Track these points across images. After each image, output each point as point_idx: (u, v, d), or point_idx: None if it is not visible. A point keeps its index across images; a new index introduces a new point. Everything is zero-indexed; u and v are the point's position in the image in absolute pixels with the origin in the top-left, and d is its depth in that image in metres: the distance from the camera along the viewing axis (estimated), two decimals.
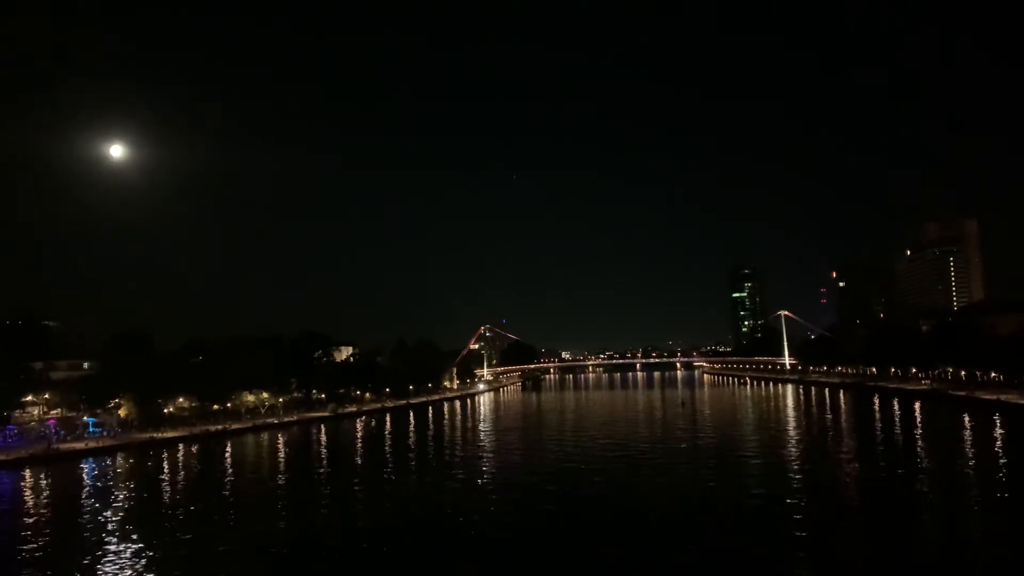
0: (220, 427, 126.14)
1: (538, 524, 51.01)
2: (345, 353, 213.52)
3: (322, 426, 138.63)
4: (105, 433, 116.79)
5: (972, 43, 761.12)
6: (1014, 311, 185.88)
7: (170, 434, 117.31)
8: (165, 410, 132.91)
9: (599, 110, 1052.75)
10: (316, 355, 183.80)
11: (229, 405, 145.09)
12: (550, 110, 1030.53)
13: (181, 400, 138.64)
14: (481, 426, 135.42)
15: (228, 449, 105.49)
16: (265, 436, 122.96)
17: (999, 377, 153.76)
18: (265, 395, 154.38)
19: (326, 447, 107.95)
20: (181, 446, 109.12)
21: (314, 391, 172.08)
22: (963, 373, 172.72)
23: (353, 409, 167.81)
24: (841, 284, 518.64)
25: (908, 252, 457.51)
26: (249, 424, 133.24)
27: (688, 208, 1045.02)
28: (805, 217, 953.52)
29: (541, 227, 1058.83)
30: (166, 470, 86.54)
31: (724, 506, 55.18)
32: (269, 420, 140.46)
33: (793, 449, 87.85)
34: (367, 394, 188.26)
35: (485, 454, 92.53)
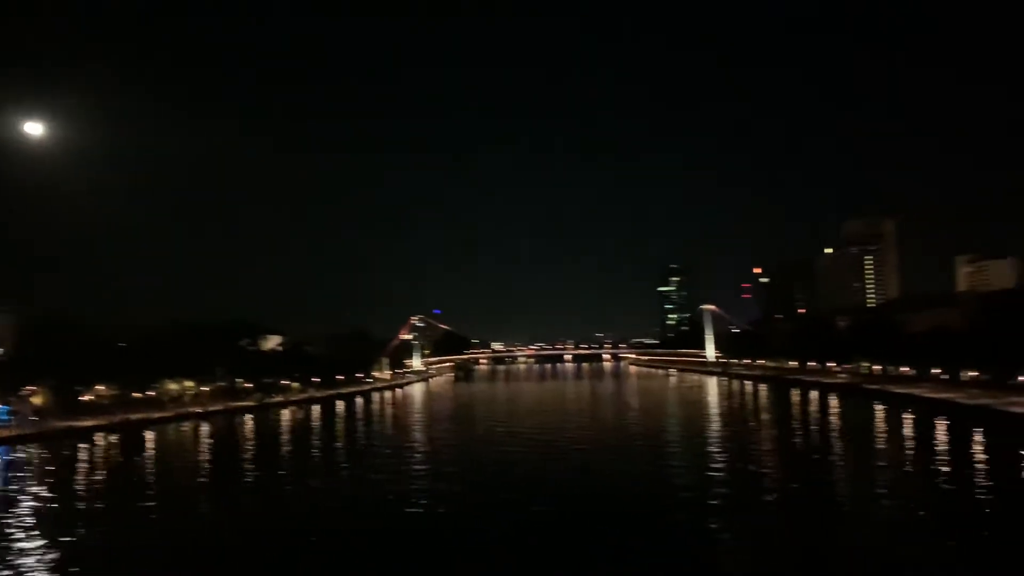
0: (142, 416, 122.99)
1: (467, 519, 50.57)
2: (273, 342, 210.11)
3: (247, 416, 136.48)
4: (15, 422, 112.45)
5: (893, 44, 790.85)
6: (926, 309, 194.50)
7: (88, 423, 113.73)
8: (83, 398, 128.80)
9: (537, 98, 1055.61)
10: (243, 343, 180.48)
11: (151, 393, 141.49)
12: (489, 91, 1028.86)
13: (101, 388, 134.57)
14: (411, 416, 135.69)
15: (149, 439, 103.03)
16: (188, 426, 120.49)
17: (911, 372, 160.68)
18: (189, 383, 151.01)
19: (249, 438, 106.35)
20: (99, 436, 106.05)
21: (240, 380, 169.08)
22: (877, 368, 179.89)
23: (280, 399, 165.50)
24: (764, 280, 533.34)
25: (829, 250, 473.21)
26: (172, 413, 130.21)
27: (621, 203, 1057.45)
28: (734, 213, 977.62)
29: (475, 217, 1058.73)
30: (81, 460, 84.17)
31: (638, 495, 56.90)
32: (192, 409, 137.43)
33: (710, 438, 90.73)
34: (295, 384, 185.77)
35: (413, 444, 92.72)
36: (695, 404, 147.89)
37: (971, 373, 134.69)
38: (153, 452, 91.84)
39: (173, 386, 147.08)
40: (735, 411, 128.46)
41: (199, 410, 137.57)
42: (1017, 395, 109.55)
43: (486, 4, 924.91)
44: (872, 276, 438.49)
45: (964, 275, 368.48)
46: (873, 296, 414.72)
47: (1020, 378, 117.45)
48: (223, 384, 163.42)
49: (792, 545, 41.72)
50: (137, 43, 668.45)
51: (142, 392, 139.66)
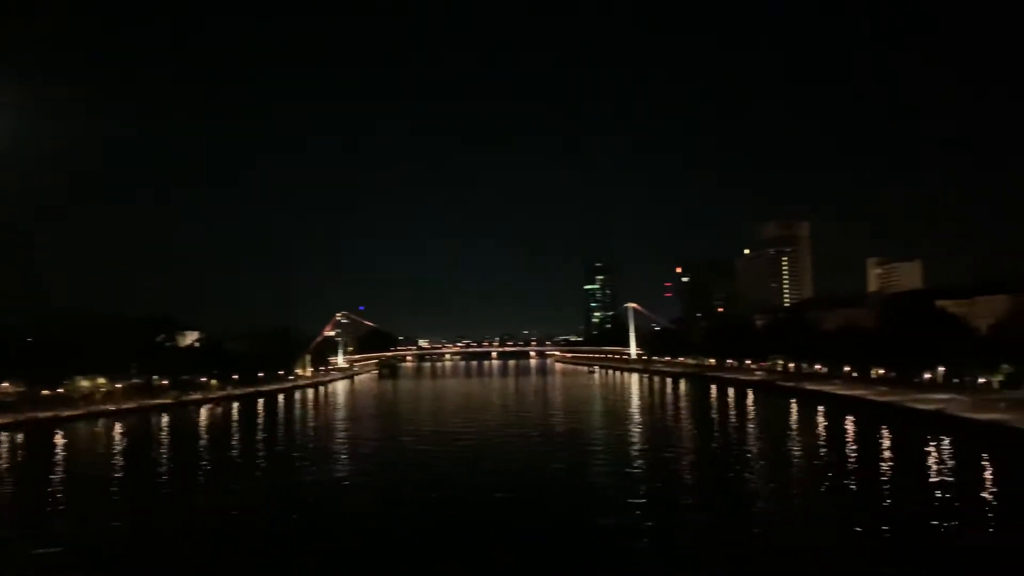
0: (50, 414, 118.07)
1: (394, 519, 50.66)
2: (191, 338, 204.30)
3: (163, 414, 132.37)
4: None
5: (807, 53, 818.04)
6: (838, 308, 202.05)
7: None
8: None
9: (460, 95, 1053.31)
10: (159, 339, 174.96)
11: (61, 391, 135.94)
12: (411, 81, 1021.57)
13: (6, 385, 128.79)
14: (331, 415, 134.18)
15: (57, 438, 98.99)
16: (100, 424, 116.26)
17: (823, 369, 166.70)
18: (101, 380, 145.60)
19: (162, 438, 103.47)
20: (5, 435, 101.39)
21: (156, 377, 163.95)
22: (792, 365, 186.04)
23: (198, 397, 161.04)
24: (685, 279, 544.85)
25: (747, 251, 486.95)
26: (83, 411, 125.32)
27: (550, 202, 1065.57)
28: (658, 213, 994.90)
29: (401, 213, 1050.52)
30: None
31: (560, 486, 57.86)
32: (105, 407, 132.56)
33: (632, 434, 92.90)
34: (213, 381, 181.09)
35: (335, 444, 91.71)
36: (615, 401, 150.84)
37: (880, 371, 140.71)
38: (61, 452, 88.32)
39: (85, 383, 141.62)
40: (653, 408, 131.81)
41: (112, 408, 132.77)
42: (921, 392, 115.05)
43: None
44: (788, 277, 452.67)
45: (875, 276, 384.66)
46: (788, 296, 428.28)
47: (927, 375, 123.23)
48: (138, 381, 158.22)
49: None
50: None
51: (51, 389, 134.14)
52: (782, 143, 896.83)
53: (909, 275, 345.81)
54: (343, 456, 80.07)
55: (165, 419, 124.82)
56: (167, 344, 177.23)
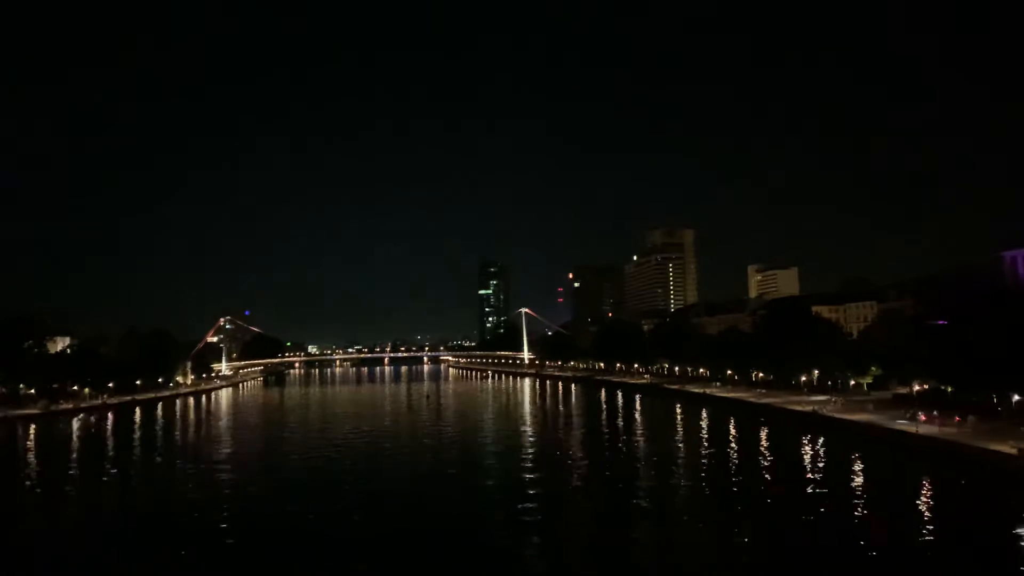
0: None
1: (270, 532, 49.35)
2: (62, 343, 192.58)
3: (31, 425, 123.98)
4: None
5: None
6: (720, 313, 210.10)
7: None
8: None
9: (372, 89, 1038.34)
10: (26, 344, 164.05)
11: None
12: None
13: None
14: (214, 424, 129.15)
15: None
16: None
17: (706, 372, 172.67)
18: None
19: (31, 450, 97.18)
20: None
21: (22, 385, 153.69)
22: (677, 369, 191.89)
23: (69, 406, 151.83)
24: (576, 284, 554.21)
25: (635, 257, 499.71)
26: None
27: (446, 208, 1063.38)
28: (549, 219, 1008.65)
29: (292, 214, 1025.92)
30: None
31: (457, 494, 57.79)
32: None
33: (523, 438, 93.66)
34: (86, 389, 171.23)
35: (215, 455, 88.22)
36: (506, 407, 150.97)
37: (759, 374, 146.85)
38: None
39: None
40: (543, 413, 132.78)
41: None
42: (797, 395, 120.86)
43: None
44: (673, 283, 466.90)
45: (755, 283, 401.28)
46: (674, 301, 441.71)
47: (803, 378, 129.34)
48: (2, 390, 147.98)
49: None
50: None
51: None
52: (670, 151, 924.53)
53: (787, 282, 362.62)
54: (221, 468, 76.28)
55: (32, 430, 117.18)
56: (35, 350, 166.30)
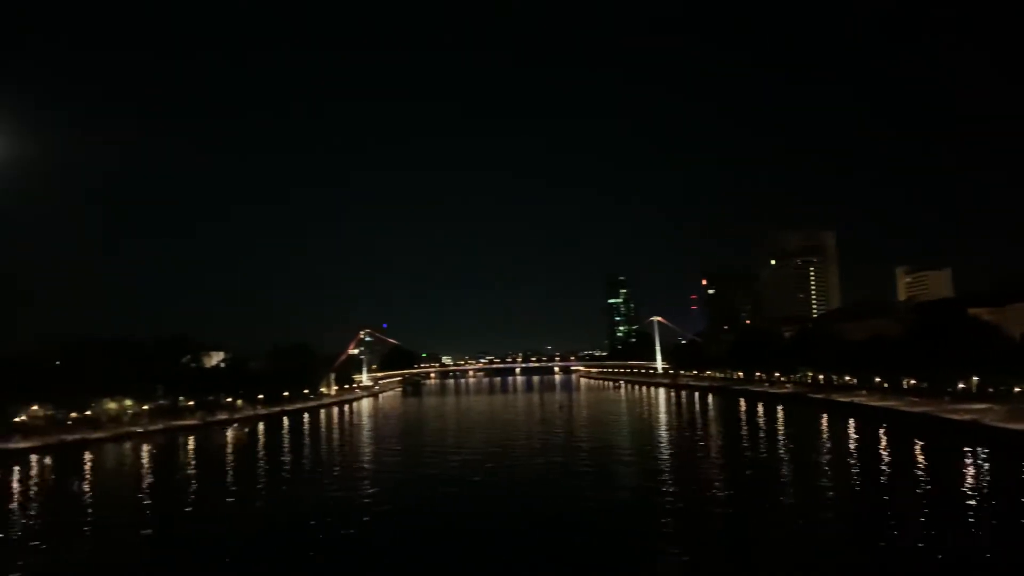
0: (78, 437, 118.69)
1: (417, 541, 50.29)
2: (216, 358, 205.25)
3: (191, 435, 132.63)
4: None
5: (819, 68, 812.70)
6: (864, 318, 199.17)
7: (22, 444, 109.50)
8: (17, 419, 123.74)
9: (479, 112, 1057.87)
10: (184, 360, 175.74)
11: (89, 413, 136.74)
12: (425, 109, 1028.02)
13: (35, 408, 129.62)
14: (355, 435, 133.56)
15: (86, 460, 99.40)
16: (128, 446, 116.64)
17: (852, 380, 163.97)
18: (128, 402, 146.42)
19: (192, 458, 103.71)
20: (34, 457, 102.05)
21: (182, 398, 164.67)
22: (821, 377, 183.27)
23: (224, 417, 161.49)
24: (711, 291, 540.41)
25: (772, 261, 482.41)
26: (110, 434, 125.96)
27: (569, 215, 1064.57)
28: (680, 224, 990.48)
29: (423, 231, 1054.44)
30: (14, 483, 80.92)
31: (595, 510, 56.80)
32: (132, 429, 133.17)
33: (664, 452, 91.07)
34: (239, 401, 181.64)
35: (361, 464, 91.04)
36: (644, 419, 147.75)
37: (911, 381, 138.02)
38: (88, 474, 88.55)
39: (112, 405, 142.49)
40: (683, 426, 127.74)
41: (139, 430, 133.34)
42: (954, 402, 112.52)
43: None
44: (815, 287, 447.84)
45: (904, 285, 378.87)
46: (816, 307, 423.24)
47: (960, 385, 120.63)
48: (164, 403, 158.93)
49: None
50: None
51: (79, 412, 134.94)
52: (803, 154, 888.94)
53: (939, 284, 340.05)
54: (366, 477, 78.93)
55: (192, 440, 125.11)
56: (192, 365, 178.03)
